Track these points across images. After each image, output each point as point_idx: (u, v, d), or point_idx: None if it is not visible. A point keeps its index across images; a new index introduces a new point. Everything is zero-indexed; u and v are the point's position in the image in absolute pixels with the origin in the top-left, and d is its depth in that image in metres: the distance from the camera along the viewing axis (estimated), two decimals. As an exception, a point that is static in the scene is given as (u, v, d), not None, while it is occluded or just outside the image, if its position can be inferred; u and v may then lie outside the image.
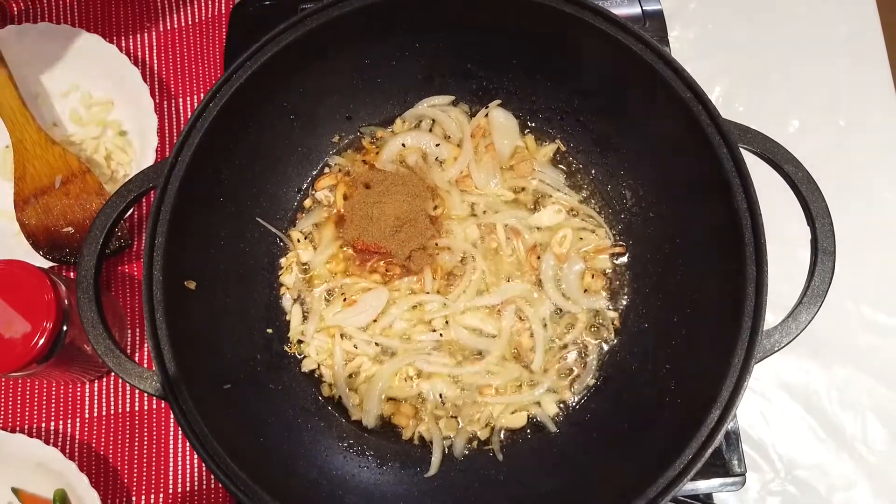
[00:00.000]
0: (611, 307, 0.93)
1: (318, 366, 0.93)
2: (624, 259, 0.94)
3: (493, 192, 0.97)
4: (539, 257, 0.94)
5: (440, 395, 0.90)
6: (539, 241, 0.95)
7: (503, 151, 0.98)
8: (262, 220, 0.93)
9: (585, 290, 0.93)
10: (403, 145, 0.98)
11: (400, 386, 0.91)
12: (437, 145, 0.98)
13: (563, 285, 0.93)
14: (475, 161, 0.97)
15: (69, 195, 0.99)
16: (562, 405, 0.90)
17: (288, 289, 0.95)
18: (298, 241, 0.96)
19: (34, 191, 0.99)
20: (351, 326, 0.92)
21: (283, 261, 0.96)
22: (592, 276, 0.93)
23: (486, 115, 0.98)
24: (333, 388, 0.92)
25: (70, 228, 0.98)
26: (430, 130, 1.00)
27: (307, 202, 0.98)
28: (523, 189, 0.97)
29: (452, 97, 0.99)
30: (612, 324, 0.92)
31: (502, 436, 0.90)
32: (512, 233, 0.95)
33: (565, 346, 0.92)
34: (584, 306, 0.93)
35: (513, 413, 0.90)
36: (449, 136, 0.99)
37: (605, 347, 0.92)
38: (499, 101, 0.97)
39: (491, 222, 0.95)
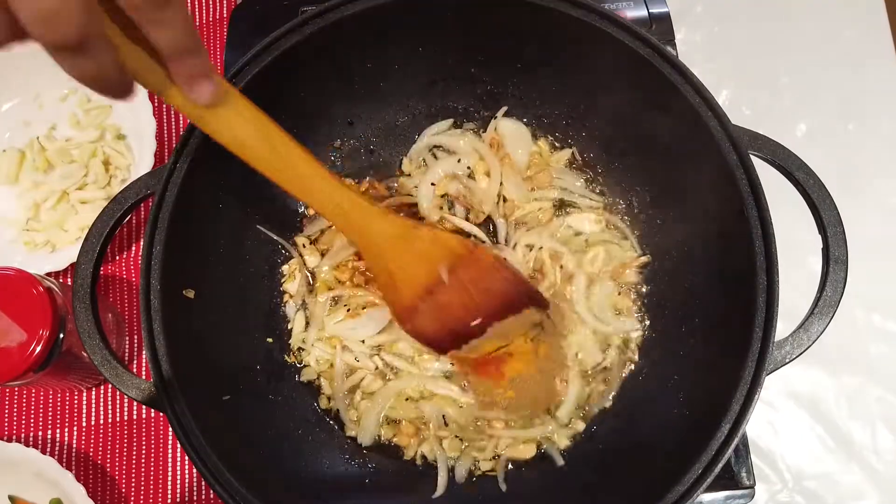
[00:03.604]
0: (638, 327, 0.89)
1: (318, 376, 0.91)
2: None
3: (531, 206, 0.93)
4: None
5: (443, 417, 0.87)
6: (570, 259, 0.90)
7: (520, 161, 0.95)
8: (263, 229, 0.91)
9: (618, 313, 0.90)
10: (433, 184, 0.95)
11: (401, 406, 0.88)
12: (459, 160, 0.95)
13: (595, 308, 0.89)
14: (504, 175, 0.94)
15: (463, 285, 0.74)
16: (575, 436, 0.87)
17: (291, 296, 0.93)
18: (304, 246, 0.94)
19: (416, 295, 0.74)
20: (351, 339, 0.90)
21: (285, 268, 0.94)
22: (619, 294, 0.90)
23: (496, 128, 0.95)
24: (332, 402, 0.90)
25: (478, 319, 0.76)
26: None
27: (311, 210, 0.96)
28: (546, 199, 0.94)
29: (451, 120, 0.97)
30: (637, 344, 0.89)
31: (508, 466, 0.87)
32: (553, 258, 0.91)
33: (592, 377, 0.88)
34: (616, 329, 0.88)
35: (522, 444, 0.86)
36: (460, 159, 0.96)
37: (632, 367, 0.88)
38: (505, 108, 0.95)
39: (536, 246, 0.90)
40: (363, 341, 0.90)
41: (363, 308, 0.91)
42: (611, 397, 0.88)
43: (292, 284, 0.93)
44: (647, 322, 0.89)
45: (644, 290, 0.91)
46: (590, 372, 0.89)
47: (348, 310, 0.91)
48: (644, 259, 0.91)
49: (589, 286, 0.90)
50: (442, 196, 0.95)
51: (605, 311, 0.89)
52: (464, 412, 0.87)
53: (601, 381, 0.88)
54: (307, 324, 0.92)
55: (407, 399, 0.88)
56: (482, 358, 0.82)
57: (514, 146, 0.95)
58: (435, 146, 0.98)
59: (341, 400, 0.89)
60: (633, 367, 0.89)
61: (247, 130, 0.60)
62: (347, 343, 0.90)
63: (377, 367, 0.89)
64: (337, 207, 0.67)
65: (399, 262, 0.72)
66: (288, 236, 0.95)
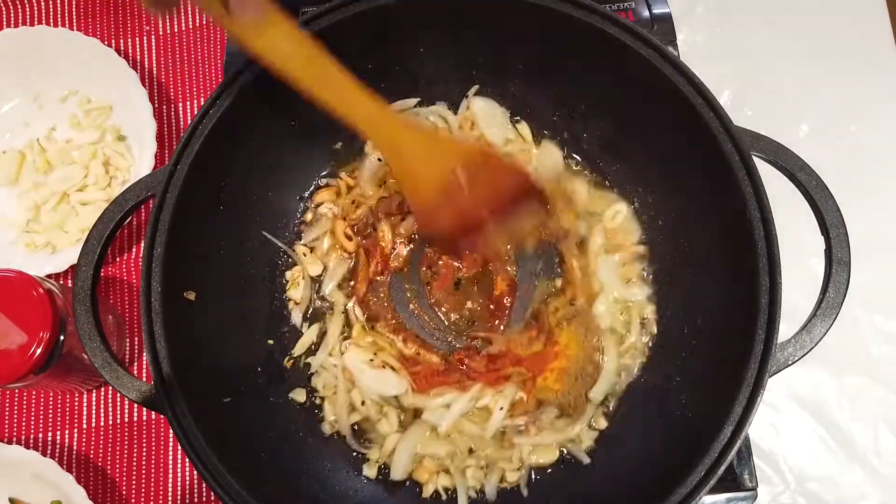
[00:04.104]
0: (651, 297, 0.89)
1: (321, 399, 0.89)
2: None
3: None
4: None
5: (470, 449, 0.85)
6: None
7: (495, 141, 0.94)
8: (267, 234, 0.91)
9: (627, 282, 0.89)
10: (379, 160, 0.94)
11: (430, 443, 0.85)
12: None
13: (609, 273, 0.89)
14: None
15: (478, 184, 0.77)
16: (598, 436, 0.86)
17: (297, 304, 0.92)
18: (304, 255, 0.93)
19: (436, 193, 0.78)
20: (363, 385, 0.86)
21: (288, 274, 0.93)
22: (624, 265, 0.90)
23: (468, 107, 0.94)
24: (336, 426, 0.88)
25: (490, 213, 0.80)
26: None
27: (308, 216, 0.95)
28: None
29: (418, 99, 0.96)
30: (653, 318, 0.88)
31: (532, 473, 0.86)
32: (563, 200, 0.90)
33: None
34: (631, 295, 0.88)
35: (544, 448, 0.85)
36: None
37: (650, 343, 0.88)
38: (476, 87, 0.94)
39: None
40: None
41: (384, 366, 0.87)
42: (636, 372, 0.87)
43: (296, 291, 0.92)
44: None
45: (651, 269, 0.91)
46: (622, 346, 0.88)
47: (371, 360, 0.87)
48: (640, 249, 0.91)
49: (605, 245, 0.90)
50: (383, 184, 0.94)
51: (616, 281, 0.89)
52: (493, 437, 0.85)
53: (629, 357, 0.88)
54: (318, 342, 0.90)
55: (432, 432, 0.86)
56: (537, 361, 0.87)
57: (487, 125, 0.94)
58: None
59: (351, 439, 0.87)
60: (651, 343, 0.88)
61: (288, 47, 0.67)
62: (359, 385, 0.87)
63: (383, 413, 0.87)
64: (368, 115, 0.73)
65: (421, 163, 0.77)
66: (287, 240, 0.94)
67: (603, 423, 0.86)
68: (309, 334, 0.91)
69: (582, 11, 0.76)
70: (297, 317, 0.92)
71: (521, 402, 0.86)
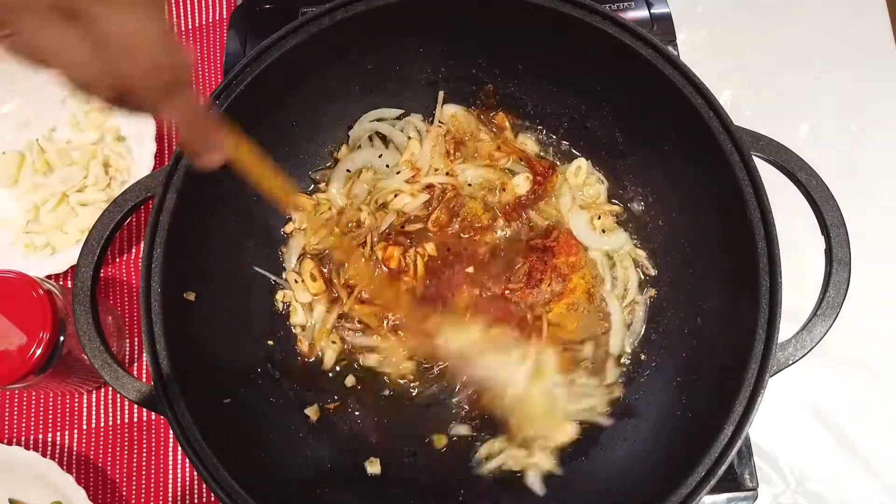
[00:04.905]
0: (637, 244, 0.91)
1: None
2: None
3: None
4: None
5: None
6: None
7: (470, 146, 0.95)
8: (260, 269, 0.91)
9: (603, 232, 0.91)
10: (348, 171, 0.94)
11: None
12: (380, 156, 0.94)
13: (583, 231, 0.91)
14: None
15: None
16: (615, 402, 0.86)
17: (303, 329, 0.91)
18: (296, 281, 0.92)
19: None
20: None
21: (278, 295, 0.92)
22: (599, 218, 0.91)
23: (441, 116, 0.94)
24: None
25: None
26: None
27: (288, 227, 0.94)
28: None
29: (401, 110, 0.96)
30: (649, 266, 0.90)
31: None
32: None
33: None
34: (612, 244, 0.90)
35: (566, 424, 0.85)
36: (398, 149, 0.95)
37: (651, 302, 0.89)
38: (443, 93, 0.94)
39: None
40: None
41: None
42: (641, 329, 0.89)
43: (297, 317, 0.91)
44: (652, 319, 0.89)
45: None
46: (624, 300, 0.90)
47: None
48: (616, 208, 0.92)
49: (575, 200, 0.92)
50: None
51: (593, 235, 0.91)
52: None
53: (629, 312, 0.89)
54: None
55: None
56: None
57: (461, 133, 0.95)
58: (377, 133, 0.96)
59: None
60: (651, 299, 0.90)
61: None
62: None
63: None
64: None
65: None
66: (284, 241, 0.94)
67: (619, 392, 0.86)
68: (328, 359, 0.91)
69: (582, 11, 0.76)
70: (304, 347, 0.91)
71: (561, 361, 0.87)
